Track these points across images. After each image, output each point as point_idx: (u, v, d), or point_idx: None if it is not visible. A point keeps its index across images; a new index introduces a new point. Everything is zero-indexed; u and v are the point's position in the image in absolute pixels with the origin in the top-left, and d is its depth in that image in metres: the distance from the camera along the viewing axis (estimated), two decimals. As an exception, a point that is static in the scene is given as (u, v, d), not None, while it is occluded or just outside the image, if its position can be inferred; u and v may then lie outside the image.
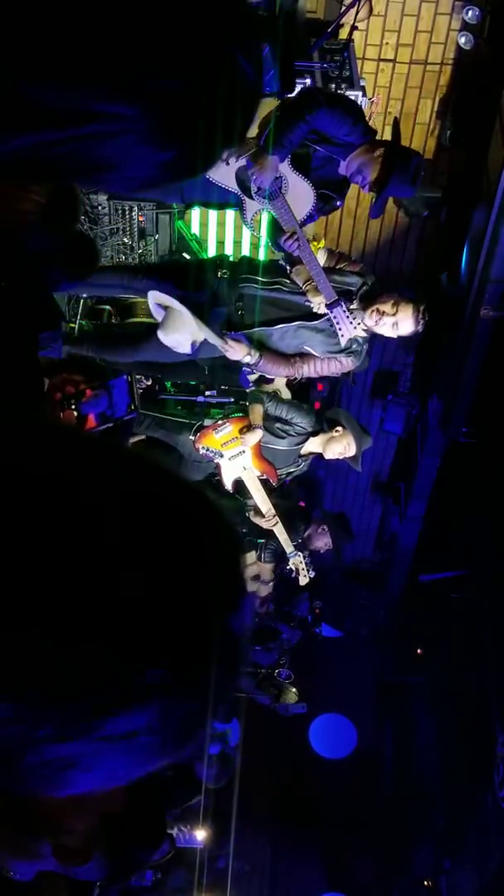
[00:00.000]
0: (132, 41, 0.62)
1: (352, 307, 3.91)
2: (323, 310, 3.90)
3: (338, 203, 3.97)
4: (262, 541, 4.89)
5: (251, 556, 4.99)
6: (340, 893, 8.40)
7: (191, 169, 0.75)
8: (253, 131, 3.50)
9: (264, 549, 4.91)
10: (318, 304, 3.91)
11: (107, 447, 0.63)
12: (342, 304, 3.80)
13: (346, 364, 4.13)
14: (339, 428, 4.49)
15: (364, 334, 4.05)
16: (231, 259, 4.42)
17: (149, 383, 4.73)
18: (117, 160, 0.68)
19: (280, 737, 7.85)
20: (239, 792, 6.24)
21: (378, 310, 3.90)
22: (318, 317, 3.99)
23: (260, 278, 4.09)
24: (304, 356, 4.13)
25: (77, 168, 0.70)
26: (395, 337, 4.06)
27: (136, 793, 1.13)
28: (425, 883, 7.97)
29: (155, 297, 3.96)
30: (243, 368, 4.45)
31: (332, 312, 3.81)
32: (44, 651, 0.51)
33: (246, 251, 6.20)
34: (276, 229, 3.91)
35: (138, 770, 0.60)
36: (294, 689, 6.32)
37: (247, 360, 4.02)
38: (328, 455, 4.57)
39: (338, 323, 3.83)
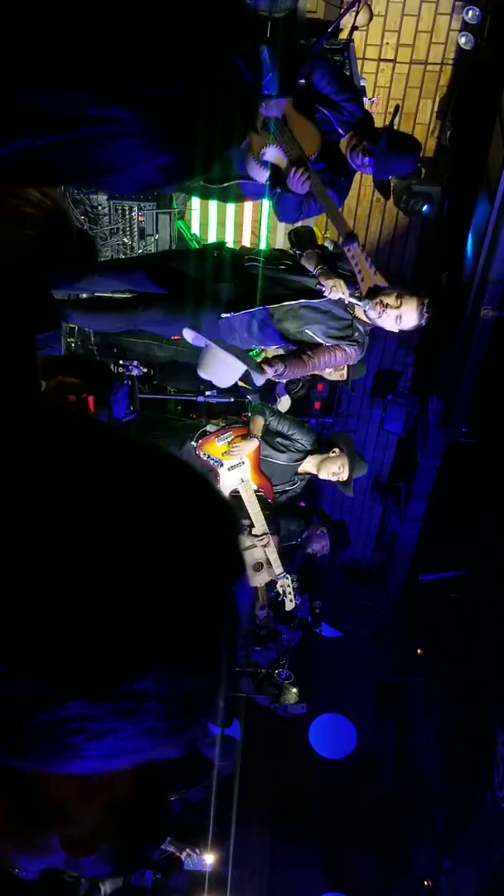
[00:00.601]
0: (129, 45, 0.62)
1: (356, 295, 3.89)
2: (336, 294, 3.85)
3: (341, 181, 3.87)
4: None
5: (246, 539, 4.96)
6: (340, 893, 8.40)
7: (189, 172, 0.75)
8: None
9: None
10: (329, 287, 3.86)
11: (101, 427, 0.64)
12: (357, 240, 3.75)
13: (350, 354, 4.08)
14: (336, 449, 4.58)
15: (366, 319, 4.00)
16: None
17: (146, 370, 4.70)
18: (116, 163, 0.68)
19: (280, 737, 7.85)
20: (239, 792, 6.24)
21: (382, 301, 3.87)
22: (320, 295, 3.94)
23: (265, 259, 4.07)
24: (313, 348, 4.05)
25: (75, 171, 0.70)
26: (397, 331, 4.02)
27: (142, 781, 1.13)
28: (425, 883, 7.97)
29: (191, 336, 3.99)
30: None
31: (349, 249, 3.74)
32: (52, 607, 0.52)
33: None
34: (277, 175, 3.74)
35: (144, 746, 0.60)
36: (294, 689, 6.32)
37: (275, 378, 4.02)
38: (322, 474, 4.65)
39: (356, 264, 3.76)
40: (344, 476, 4.60)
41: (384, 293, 3.89)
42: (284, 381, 4.38)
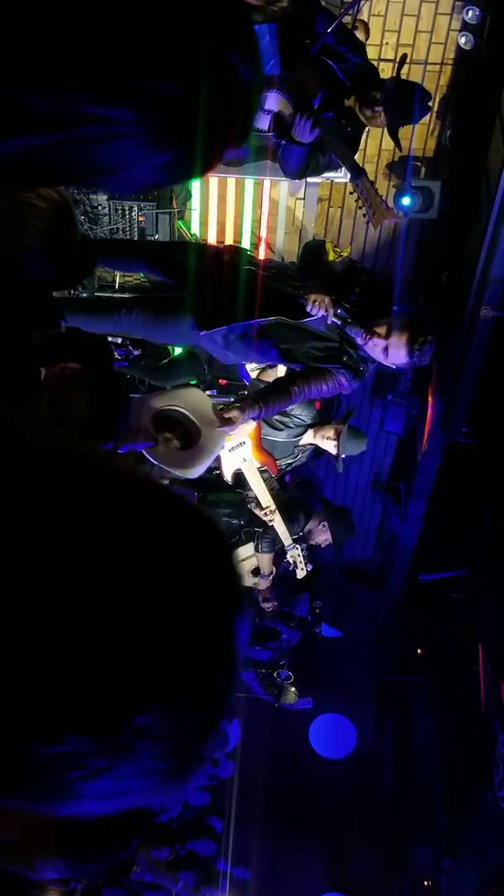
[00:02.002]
0: (127, 44, 0.62)
1: (349, 321, 3.62)
2: (317, 312, 3.56)
3: (347, 128, 3.69)
4: (259, 531, 4.90)
5: (249, 548, 4.99)
6: (340, 893, 8.40)
7: (189, 171, 0.75)
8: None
9: (261, 538, 4.90)
10: (312, 302, 3.57)
11: (95, 461, 0.63)
12: (365, 175, 3.56)
13: (343, 384, 3.74)
14: (339, 427, 4.59)
15: (367, 352, 3.69)
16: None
17: (137, 353, 4.62)
18: (115, 163, 0.68)
19: (280, 737, 7.85)
20: (239, 792, 6.24)
21: (372, 330, 3.58)
22: (301, 314, 3.66)
23: (263, 268, 3.84)
24: (298, 377, 3.78)
25: (74, 171, 0.70)
26: (388, 364, 3.68)
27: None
28: (425, 883, 7.97)
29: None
30: (241, 363, 4.43)
31: (356, 183, 3.54)
32: (52, 639, 0.52)
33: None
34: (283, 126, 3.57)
35: (140, 788, 0.59)
36: (294, 689, 6.33)
37: (253, 420, 3.80)
38: (316, 439, 4.62)
39: (365, 197, 3.57)
40: (333, 449, 4.53)
41: (377, 322, 3.58)
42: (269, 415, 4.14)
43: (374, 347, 3.59)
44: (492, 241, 5.06)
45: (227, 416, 3.61)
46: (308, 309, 3.61)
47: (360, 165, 3.60)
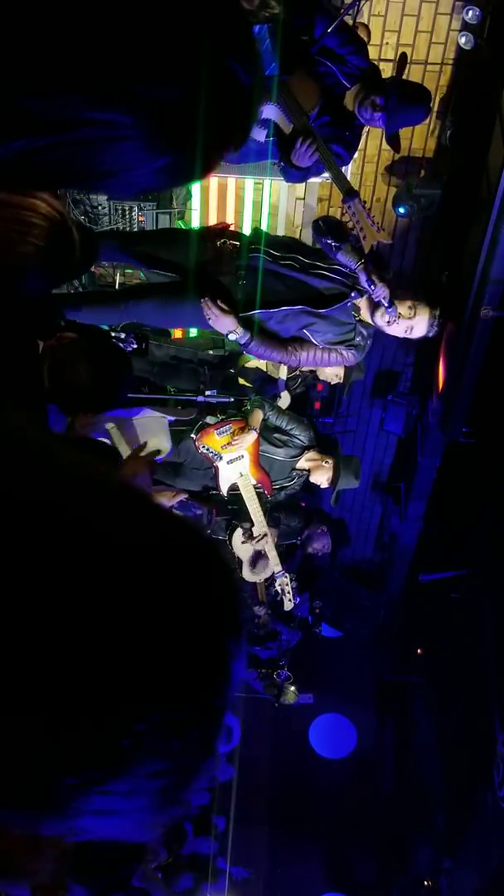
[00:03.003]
0: (126, 49, 0.62)
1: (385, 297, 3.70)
2: (383, 293, 3.62)
3: (348, 135, 3.70)
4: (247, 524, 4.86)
5: (239, 535, 4.92)
6: (340, 893, 8.40)
7: (188, 174, 0.75)
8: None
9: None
10: (380, 287, 3.62)
11: (98, 480, 0.62)
12: (359, 196, 3.56)
13: (347, 357, 3.93)
14: (329, 461, 4.59)
15: (370, 322, 3.86)
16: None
17: (135, 346, 4.61)
18: (114, 166, 0.68)
19: (280, 737, 7.86)
20: (238, 792, 6.24)
21: (399, 312, 3.75)
22: (325, 304, 3.77)
23: (272, 251, 3.83)
24: (302, 343, 3.89)
25: (73, 174, 0.70)
26: (404, 338, 3.94)
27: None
28: (425, 883, 7.97)
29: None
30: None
31: (349, 207, 3.54)
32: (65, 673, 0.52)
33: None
34: (285, 147, 3.59)
35: (135, 810, 0.59)
36: (293, 689, 6.33)
37: (233, 337, 3.76)
38: (312, 478, 4.67)
39: (357, 221, 3.56)
40: (325, 479, 4.63)
41: (397, 300, 3.72)
42: (252, 354, 4.09)
43: (398, 327, 3.79)
44: (492, 241, 5.06)
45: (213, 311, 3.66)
46: (374, 293, 3.67)
47: (353, 188, 3.61)
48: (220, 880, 6.50)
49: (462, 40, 5.24)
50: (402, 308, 3.75)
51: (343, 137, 3.67)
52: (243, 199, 5.89)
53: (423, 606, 8.26)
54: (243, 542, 4.72)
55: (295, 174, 3.68)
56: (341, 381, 4.72)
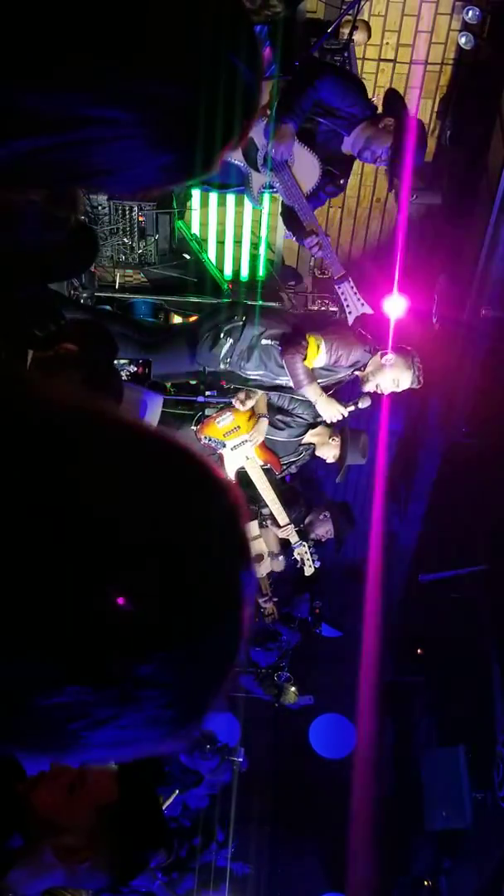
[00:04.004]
0: (129, 47, 0.62)
1: (355, 402, 4.15)
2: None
3: (342, 182, 3.88)
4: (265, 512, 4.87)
5: (255, 527, 4.94)
6: (340, 893, 8.39)
7: (189, 172, 0.75)
8: (262, 101, 3.46)
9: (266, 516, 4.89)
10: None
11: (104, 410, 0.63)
12: (349, 280, 3.75)
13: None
14: (336, 437, 4.59)
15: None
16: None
17: (135, 370, 4.65)
18: (116, 165, 0.68)
19: (280, 737, 7.85)
20: (239, 792, 6.24)
21: (364, 377, 4.05)
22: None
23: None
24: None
25: (76, 172, 0.70)
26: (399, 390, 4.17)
27: (127, 782, 1.13)
28: (425, 883, 7.96)
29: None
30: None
31: (339, 288, 3.77)
32: (51, 588, 0.52)
33: (246, 253, 6.19)
34: (291, 224, 3.81)
35: (147, 737, 0.59)
36: (293, 689, 6.33)
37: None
38: (318, 453, 4.67)
39: (346, 300, 3.78)
40: (333, 455, 4.73)
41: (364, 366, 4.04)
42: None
43: (382, 384, 4.06)
44: (492, 241, 5.06)
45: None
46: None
47: (345, 273, 3.78)
48: (220, 880, 6.50)
49: (462, 40, 5.24)
50: (368, 368, 4.03)
51: (337, 188, 3.88)
52: (243, 200, 5.87)
53: (423, 606, 8.25)
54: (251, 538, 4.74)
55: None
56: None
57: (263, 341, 4.03)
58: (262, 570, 4.94)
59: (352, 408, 4.16)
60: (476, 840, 6.94)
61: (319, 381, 4.05)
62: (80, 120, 0.63)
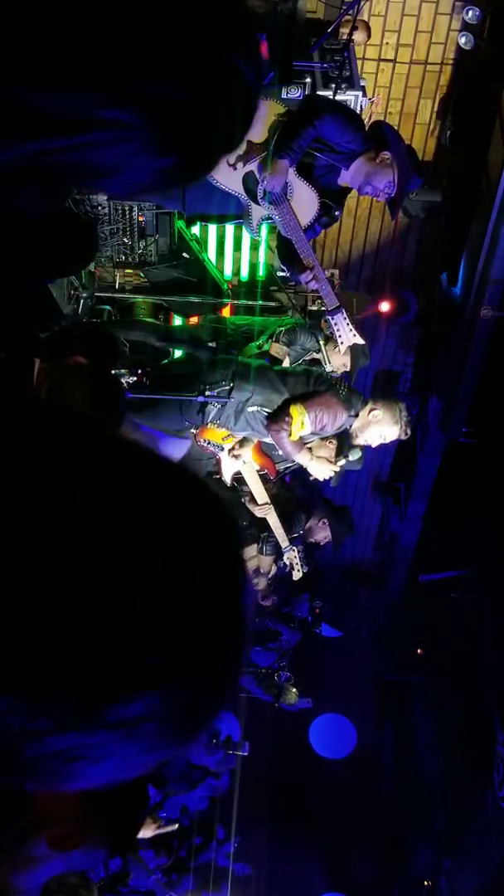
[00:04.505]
0: (135, 49, 0.62)
1: (344, 456, 4.26)
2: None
3: (337, 213, 3.98)
4: (265, 534, 4.92)
5: (252, 549, 5.00)
6: (340, 893, 8.40)
7: (191, 175, 0.75)
8: (262, 136, 3.53)
9: (266, 542, 4.95)
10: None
11: (103, 432, 0.63)
12: (342, 311, 3.83)
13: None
14: (333, 441, 4.61)
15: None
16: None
17: (135, 378, 4.68)
18: (118, 166, 0.68)
19: (280, 737, 7.85)
20: (239, 792, 6.24)
21: (353, 433, 4.15)
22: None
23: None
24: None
25: (78, 173, 0.70)
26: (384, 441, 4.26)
27: None
28: (425, 883, 7.97)
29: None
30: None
31: (332, 319, 3.85)
32: (38, 638, 0.51)
33: (246, 254, 6.18)
34: (288, 257, 3.91)
35: (148, 762, 0.59)
36: (294, 690, 6.33)
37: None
38: (315, 454, 4.71)
39: (338, 330, 3.86)
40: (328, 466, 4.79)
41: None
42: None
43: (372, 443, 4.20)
44: (492, 241, 5.06)
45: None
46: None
47: (338, 303, 3.84)
48: (221, 880, 6.50)
49: (462, 40, 5.25)
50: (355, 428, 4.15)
51: (332, 215, 3.88)
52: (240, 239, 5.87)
53: (423, 606, 8.26)
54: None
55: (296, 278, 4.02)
56: (348, 369, 4.81)
57: (249, 408, 4.14)
58: (262, 584, 5.02)
59: (342, 462, 4.29)
60: (476, 840, 6.95)
61: (308, 441, 4.23)
62: (88, 122, 0.63)
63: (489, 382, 5.73)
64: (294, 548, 4.84)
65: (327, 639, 8.08)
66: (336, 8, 5.12)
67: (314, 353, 5.13)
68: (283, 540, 4.77)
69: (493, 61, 5.10)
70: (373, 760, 9.14)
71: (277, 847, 8.36)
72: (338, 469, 4.27)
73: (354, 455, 4.30)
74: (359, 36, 5.16)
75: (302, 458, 4.16)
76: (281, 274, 5.01)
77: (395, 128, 4.04)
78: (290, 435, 4.01)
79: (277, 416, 4.04)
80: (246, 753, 6.15)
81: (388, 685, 9.37)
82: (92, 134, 0.63)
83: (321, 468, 4.21)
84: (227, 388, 4.10)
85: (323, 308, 5.53)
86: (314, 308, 5.78)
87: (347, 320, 3.83)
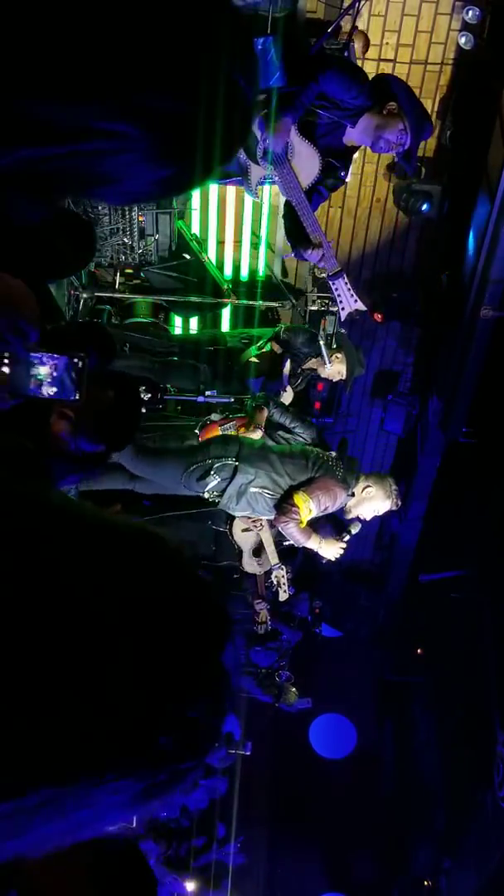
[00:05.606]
0: (135, 63, 0.63)
1: (348, 533, 4.38)
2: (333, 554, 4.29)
3: (342, 174, 3.83)
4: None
5: (239, 524, 4.96)
6: (340, 893, 8.40)
7: (187, 185, 0.76)
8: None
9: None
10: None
11: (79, 516, 0.63)
12: (344, 276, 3.78)
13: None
14: (332, 453, 4.64)
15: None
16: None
17: (150, 396, 4.71)
18: (116, 176, 0.69)
19: (280, 737, 7.85)
20: (239, 792, 6.25)
21: (347, 509, 4.30)
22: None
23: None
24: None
25: (76, 182, 0.70)
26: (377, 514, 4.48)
27: None
28: (425, 883, 7.97)
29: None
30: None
31: (333, 284, 3.79)
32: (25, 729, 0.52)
33: (246, 255, 6.20)
34: (293, 232, 3.82)
35: (120, 817, 0.60)
36: (294, 689, 6.33)
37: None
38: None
39: (339, 296, 3.82)
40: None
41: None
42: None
43: (365, 511, 4.33)
44: (492, 241, 5.06)
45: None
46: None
47: (340, 267, 3.78)
48: (221, 878, 6.51)
49: (462, 40, 5.24)
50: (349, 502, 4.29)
51: (337, 176, 3.80)
52: (243, 200, 5.89)
53: (423, 606, 8.26)
54: (244, 531, 4.76)
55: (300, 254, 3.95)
56: (343, 377, 4.81)
57: (252, 489, 4.19)
58: (264, 566, 4.95)
59: (347, 537, 4.39)
60: (476, 840, 6.95)
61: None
62: (89, 132, 0.63)
63: (489, 382, 5.72)
64: (283, 566, 4.82)
65: (327, 639, 8.09)
66: (336, 8, 5.11)
67: (313, 358, 5.14)
68: (273, 557, 4.75)
69: (493, 61, 5.09)
70: (373, 760, 9.13)
71: (277, 847, 8.36)
72: (345, 546, 4.39)
73: (356, 528, 4.44)
74: (357, 45, 5.15)
75: (312, 544, 4.28)
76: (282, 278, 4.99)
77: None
78: (299, 523, 4.12)
79: (283, 508, 4.16)
80: (248, 753, 6.15)
81: (388, 685, 9.37)
82: (91, 143, 0.64)
83: (330, 549, 4.34)
84: (232, 464, 4.18)
85: (323, 308, 5.53)
86: (314, 308, 5.78)
87: (349, 285, 3.78)
